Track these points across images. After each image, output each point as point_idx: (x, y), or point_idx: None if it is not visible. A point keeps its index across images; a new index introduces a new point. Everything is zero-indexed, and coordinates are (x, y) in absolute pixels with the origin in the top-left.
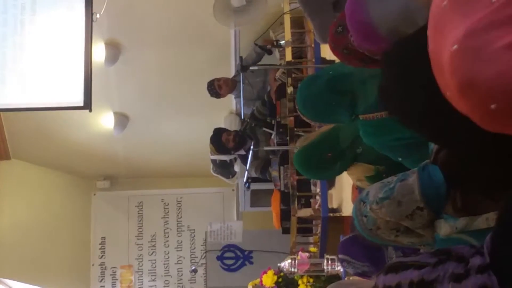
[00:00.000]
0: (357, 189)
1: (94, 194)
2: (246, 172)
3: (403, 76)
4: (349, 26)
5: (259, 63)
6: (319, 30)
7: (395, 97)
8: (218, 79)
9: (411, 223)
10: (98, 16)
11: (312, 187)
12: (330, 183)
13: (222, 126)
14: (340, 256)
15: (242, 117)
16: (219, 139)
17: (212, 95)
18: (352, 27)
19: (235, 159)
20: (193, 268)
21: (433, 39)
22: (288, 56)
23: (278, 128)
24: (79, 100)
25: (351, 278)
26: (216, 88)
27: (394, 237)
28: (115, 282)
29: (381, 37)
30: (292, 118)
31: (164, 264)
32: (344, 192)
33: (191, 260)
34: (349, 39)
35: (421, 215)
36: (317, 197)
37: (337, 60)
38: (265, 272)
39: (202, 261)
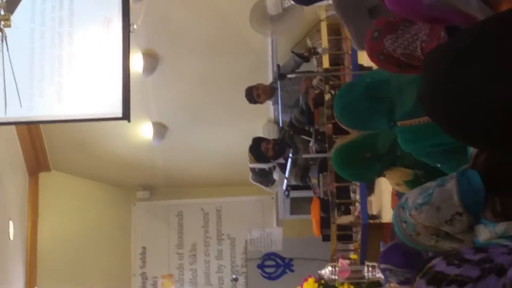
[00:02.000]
0: (396, 195)
1: (134, 204)
2: (285, 180)
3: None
4: None
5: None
6: (355, 37)
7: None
8: (257, 88)
9: (451, 228)
10: (135, 26)
11: (352, 194)
12: (370, 190)
13: (260, 134)
14: (381, 266)
15: (281, 125)
16: (258, 148)
17: (250, 102)
18: None
19: (274, 167)
20: (234, 276)
21: None
22: (325, 63)
23: (317, 135)
24: (117, 111)
25: (392, 285)
26: (255, 97)
27: (434, 243)
28: None
29: (422, 4)
30: (330, 125)
31: (205, 273)
32: (383, 199)
33: (231, 268)
34: (384, 45)
35: (460, 220)
36: (357, 204)
37: (374, 66)
38: (306, 280)
39: (243, 270)
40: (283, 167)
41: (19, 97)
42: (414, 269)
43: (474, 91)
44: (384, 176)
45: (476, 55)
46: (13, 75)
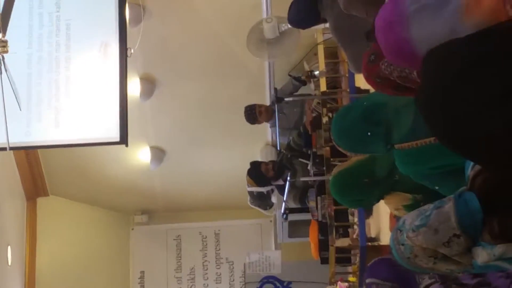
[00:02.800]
0: (394, 218)
1: (132, 229)
2: (284, 203)
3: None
4: (382, 39)
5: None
6: (352, 60)
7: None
8: (260, 105)
9: (448, 250)
10: (132, 51)
11: (350, 217)
12: (368, 212)
13: (258, 157)
14: (367, 280)
15: (278, 148)
16: (258, 171)
17: (248, 120)
18: (386, 40)
19: (272, 190)
20: None
21: None
22: (323, 86)
23: (315, 158)
24: (115, 135)
25: None
26: (257, 114)
27: (432, 265)
28: None
29: (418, 57)
30: (328, 148)
31: None
32: (381, 221)
33: None
34: (381, 68)
35: (458, 243)
36: (355, 227)
37: (371, 89)
38: None
39: None
40: (281, 190)
41: (6, 125)
42: (402, 284)
43: (476, 110)
44: (383, 200)
45: (481, 73)
46: (3, 102)
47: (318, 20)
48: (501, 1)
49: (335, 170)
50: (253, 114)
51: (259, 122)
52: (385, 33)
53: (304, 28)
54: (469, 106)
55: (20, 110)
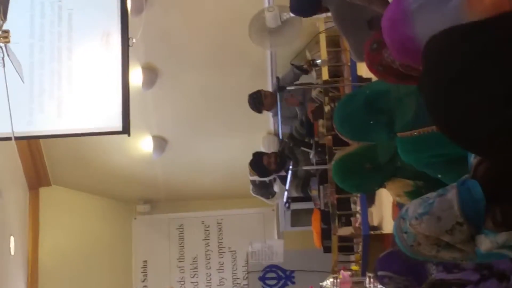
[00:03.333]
0: (397, 206)
1: (135, 218)
2: (286, 192)
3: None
4: (387, 38)
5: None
6: (354, 48)
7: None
8: (265, 91)
9: (451, 238)
10: (134, 40)
11: (352, 205)
12: (370, 201)
13: (261, 146)
14: (379, 273)
15: (280, 137)
16: (261, 163)
17: (252, 107)
18: (391, 39)
19: (275, 179)
20: None
21: None
22: (325, 75)
23: (317, 147)
24: (117, 125)
25: None
26: (262, 97)
27: (435, 253)
28: None
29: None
30: (330, 137)
31: (206, 286)
32: (384, 210)
33: (233, 281)
34: (383, 56)
35: (461, 230)
36: (358, 215)
37: (374, 78)
38: None
39: (244, 282)
40: (283, 179)
41: (10, 115)
42: (414, 277)
43: (478, 102)
44: (384, 187)
45: (484, 69)
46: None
47: (319, 8)
48: None
49: (337, 156)
50: (259, 98)
51: (264, 108)
52: (390, 32)
53: (305, 16)
54: (470, 102)
55: (23, 83)
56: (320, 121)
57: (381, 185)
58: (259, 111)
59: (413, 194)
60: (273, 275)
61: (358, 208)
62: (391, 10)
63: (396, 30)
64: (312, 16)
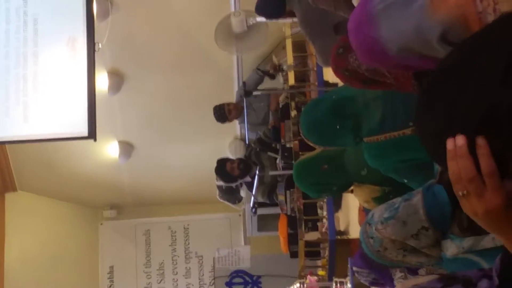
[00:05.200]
0: (363, 211)
1: (101, 224)
2: (253, 198)
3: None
4: (353, 40)
5: (261, 86)
6: (320, 53)
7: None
8: (228, 104)
9: (417, 242)
10: (100, 46)
11: (319, 211)
12: (337, 206)
13: (227, 151)
14: (353, 268)
15: (247, 142)
16: (224, 169)
17: (218, 120)
18: (357, 42)
19: (241, 184)
20: None
21: None
22: (291, 80)
23: (283, 152)
24: (83, 130)
25: None
26: (226, 113)
27: (401, 257)
28: None
29: (388, 55)
30: (296, 142)
31: None
32: (350, 215)
33: (200, 287)
34: (349, 61)
35: (426, 235)
36: (324, 220)
37: (340, 83)
38: None
39: None
40: (250, 186)
41: None
42: (377, 270)
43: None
44: (351, 192)
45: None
46: None
47: (283, 11)
48: None
49: (298, 159)
50: (222, 113)
51: (230, 121)
52: (356, 34)
53: (269, 18)
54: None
55: None
56: (286, 123)
57: (342, 189)
58: (223, 122)
59: (381, 200)
60: (240, 280)
61: (325, 213)
62: (357, 13)
63: (361, 32)
64: (277, 18)
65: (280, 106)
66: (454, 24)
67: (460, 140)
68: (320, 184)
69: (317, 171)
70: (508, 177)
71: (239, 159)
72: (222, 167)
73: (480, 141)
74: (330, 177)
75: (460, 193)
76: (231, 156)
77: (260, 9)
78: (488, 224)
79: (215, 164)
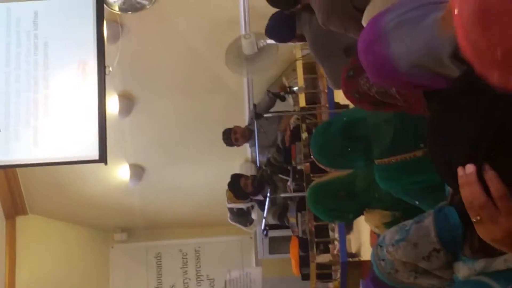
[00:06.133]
0: (375, 233)
1: (112, 247)
2: (264, 220)
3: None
4: (363, 59)
5: (273, 109)
6: (331, 76)
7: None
8: (235, 132)
9: (428, 264)
10: (111, 69)
11: (330, 233)
12: (348, 228)
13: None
14: None
15: (258, 165)
16: (238, 184)
17: (227, 145)
18: (368, 60)
19: (252, 207)
20: None
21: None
22: (302, 102)
23: (294, 174)
24: (94, 153)
25: None
26: (233, 141)
27: (413, 279)
28: None
29: (399, 73)
30: (307, 164)
31: None
32: (362, 237)
33: None
34: (359, 83)
35: (437, 257)
36: (336, 242)
37: (351, 104)
38: None
39: None
40: (261, 205)
41: None
42: None
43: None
44: (363, 217)
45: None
46: None
47: (293, 34)
48: None
49: (312, 183)
50: (230, 141)
51: (238, 145)
52: (366, 53)
53: (280, 41)
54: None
55: None
56: (297, 145)
57: (356, 215)
58: (232, 146)
59: (392, 225)
60: None
61: (336, 235)
62: (367, 32)
63: (372, 50)
64: (287, 41)
65: (291, 127)
66: None
67: (470, 167)
68: (336, 211)
69: (334, 197)
70: None
71: (254, 176)
72: (236, 182)
73: (487, 166)
74: (346, 205)
75: (474, 220)
76: None
77: (271, 33)
78: (508, 246)
79: (226, 187)
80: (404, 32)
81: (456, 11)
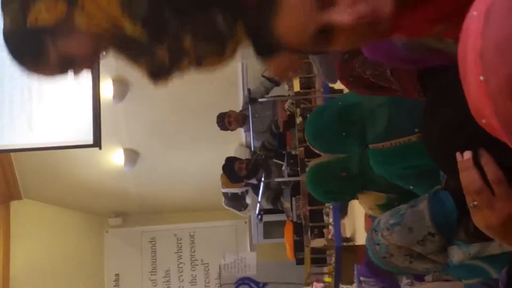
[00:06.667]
0: (369, 218)
1: (107, 232)
2: (258, 204)
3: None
4: None
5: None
6: (324, 70)
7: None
8: (228, 115)
9: (423, 248)
10: (105, 53)
11: (325, 217)
12: (343, 213)
13: None
14: (361, 278)
15: (252, 149)
16: (232, 168)
17: (221, 129)
18: None
19: (247, 191)
20: None
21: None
22: (296, 87)
23: (289, 159)
24: (88, 138)
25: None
26: (226, 124)
27: (408, 264)
28: None
29: (395, 48)
30: (302, 149)
31: None
32: (357, 221)
33: None
34: (354, 66)
35: (432, 241)
36: (330, 227)
37: (345, 89)
38: None
39: None
40: (256, 189)
41: None
42: (383, 278)
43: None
44: (357, 199)
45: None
46: None
47: None
48: None
49: (311, 163)
50: (223, 124)
51: (232, 130)
52: None
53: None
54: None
55: None
56: (292, 131)
57: (354, 196)
58: (226, 130)
59: (386, 207)
60: (246, 287)
61: (331, 219)
62: None
63: None
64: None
65: (287, 113)
66: None
67: (467, 153)
68: (335, 193)
69: (334, 177)
70: None
71: (248, 160)
72: (231, 166)
73: (483, 151)
74: (345, 186)
75: (471, 205)
76: None
77: None
78: (501, 235)
79: (220, 171)
80: None
81: (481, 77)
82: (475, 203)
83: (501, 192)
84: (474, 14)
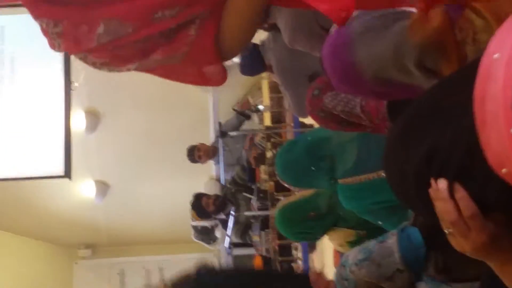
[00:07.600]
0: (338, 253)
1: (76, 263)
2: (228, 238)
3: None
4: (328, 65)
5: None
6: (295, 103)
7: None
8: (198, 149)
9: (391, 284)
10: (76, 84)
11: (294, 251)
12: (311, 247)
13: (202, 191)
14: None
15: (223, 182)
16: (200, 204)
17: (191, 161)
18: (332, 67)
19: (216, 225)
20: None
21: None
22: (267, 121)
23: (259, 193)
24: (59, 169)
25: None
26: (196, 158)
27: None
28: None
29: (363, 80)
30: (272, 183)
31: None
32: (325, 256)
33: None
34: (324, 102)
35: (401, 278)
36: (299, 262)
37: (316, 124)
38: None
39: None
40: (225, 224)
41: None
42: None
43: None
44: (327, 236)
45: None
46: None
47: (263, 67)
48: (448, 23)
49: (279, 204)
50: (193, 158)
51: (202, 163)
52: (331, 59)
53: (252, 75)
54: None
55: None
56: (262, 167)
57: (324, 234)
58: (196, 163)
59: (356, 244)
60: None
61: (300, 254)
62: (333, 37)
63: (336, 56)
64: (258, 74)
65: (256, 147)
66: (431, 50)
67: (441, 183)
68: (305, 233)
69: (304, 218)
70: (492, 214)
71: (216, 196)
72: (198, 202)
73: (457, 186)
74: (316, 225)
75: (446, 231)
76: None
77: (243, 72)
78: (476, 257)
79: (190, 205)
80: (370, 38)
81: None
82: (450, 230)
83: (475, 226)
84: (496, 58)
